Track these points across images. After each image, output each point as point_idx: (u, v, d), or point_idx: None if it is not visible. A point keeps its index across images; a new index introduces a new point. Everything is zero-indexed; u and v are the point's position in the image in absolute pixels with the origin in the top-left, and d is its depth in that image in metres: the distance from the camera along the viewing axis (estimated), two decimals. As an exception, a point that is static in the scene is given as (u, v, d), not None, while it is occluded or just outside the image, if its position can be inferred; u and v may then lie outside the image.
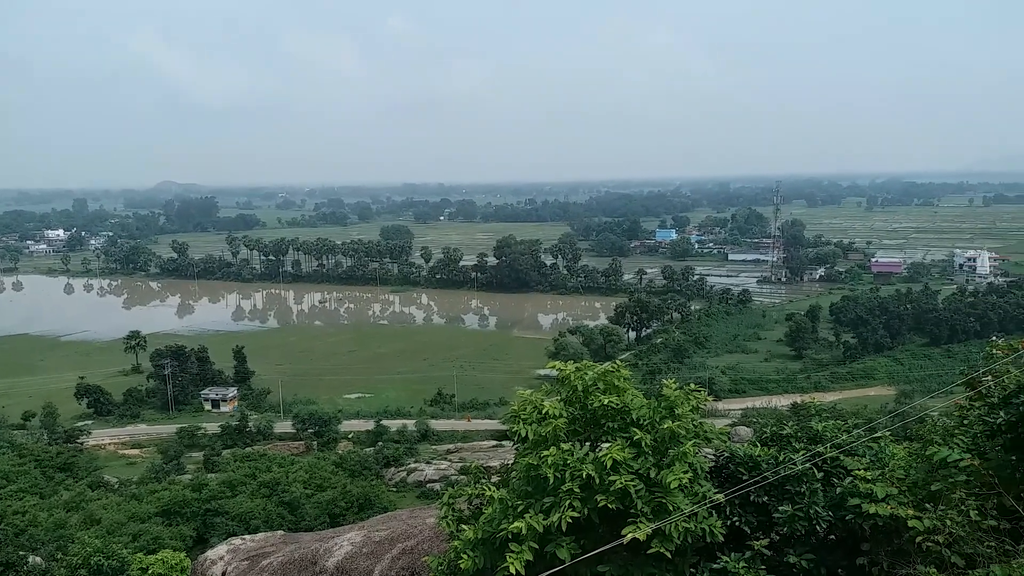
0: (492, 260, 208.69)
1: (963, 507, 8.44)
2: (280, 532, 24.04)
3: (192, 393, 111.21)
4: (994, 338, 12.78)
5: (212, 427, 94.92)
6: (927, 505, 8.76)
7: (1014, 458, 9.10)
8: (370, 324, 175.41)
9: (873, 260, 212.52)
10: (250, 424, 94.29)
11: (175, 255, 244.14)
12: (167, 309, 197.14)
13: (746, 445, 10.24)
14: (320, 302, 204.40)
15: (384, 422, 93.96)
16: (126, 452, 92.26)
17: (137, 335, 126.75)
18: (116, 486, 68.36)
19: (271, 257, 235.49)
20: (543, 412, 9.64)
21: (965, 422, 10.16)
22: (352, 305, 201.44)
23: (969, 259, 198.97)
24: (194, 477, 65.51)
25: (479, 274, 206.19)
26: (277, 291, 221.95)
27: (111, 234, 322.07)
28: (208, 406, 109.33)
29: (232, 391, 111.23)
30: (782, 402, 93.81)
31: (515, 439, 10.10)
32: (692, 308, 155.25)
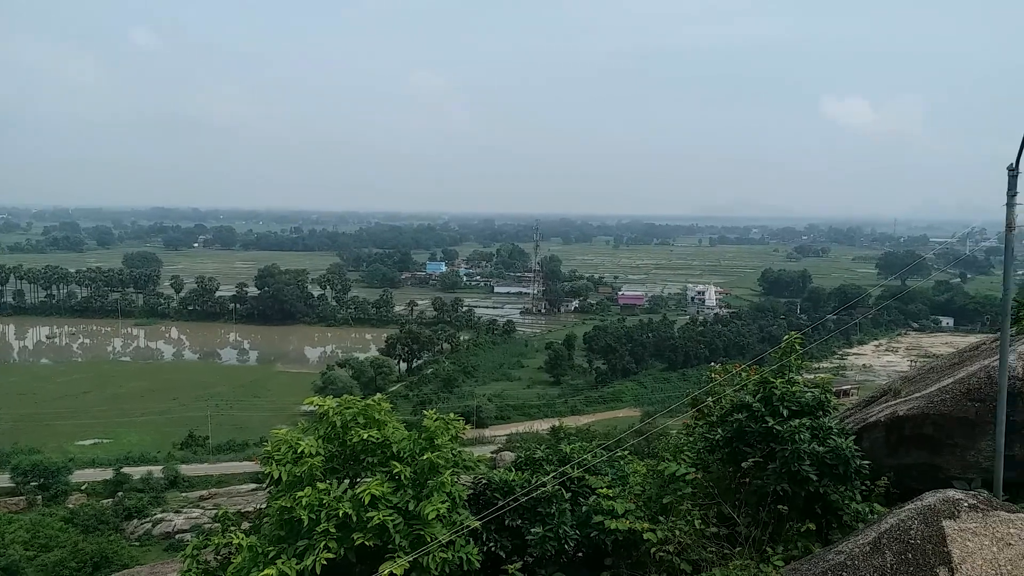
0: (253, 290, 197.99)
1: (689, 517, 9.34)
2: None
3: None
4: (713, 363, 14.53)
5: (-99, 487, 79.71)
6: (660, 518, 9.58)
7: (731, 469, 10.29)
8: (110, 361, 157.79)
9: (620, 293, 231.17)
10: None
11: None
12: None
13: (502, 471, 10.61)
14: (48, 337, 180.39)
15: (125, 470, 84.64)
16: None
17: None
18: None
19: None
20: (299, 451, 9.27)
21: (691, 438, 11.37)
22: (88, 340, 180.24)
23: (699, 293, 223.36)
24: None
25: (238, 305, 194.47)
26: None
27: None
28: None
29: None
30: (543, 426, 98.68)
31: (268, 481, 9.61)
32: (461, 338, 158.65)
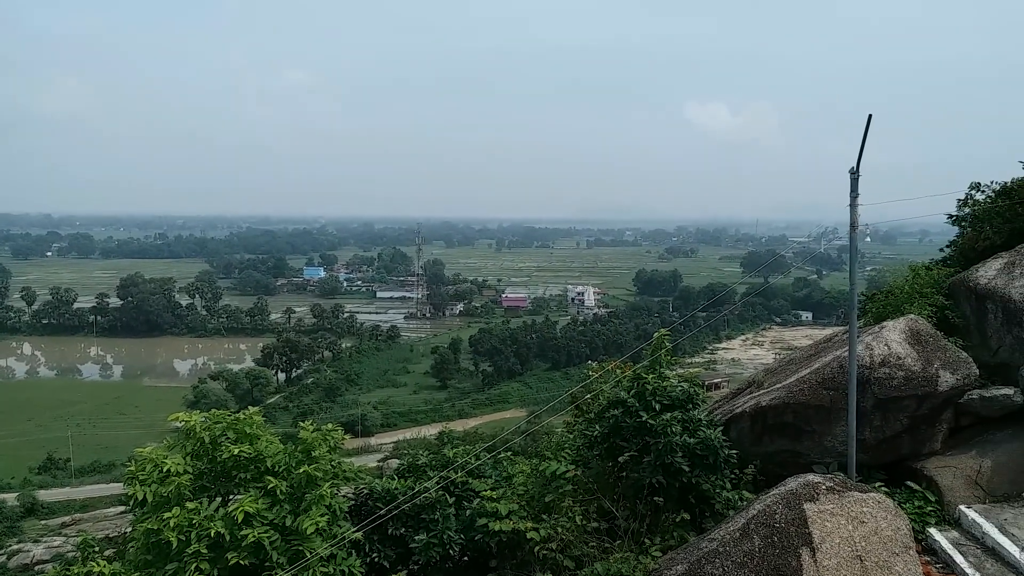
0: (116, 301, 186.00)
1: (571, 514, 9.52)
2: None
3: None
4: (591, 362, 14.91)
5: None
6: (543, 516, 9.71)
7: (610, 464, 10.56)
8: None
9: (503, 296, 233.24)
10: None
11: None
12: None
13: (384, 479, 10.44)
14: None
15: (-27, 499, 77.78)
16: None
17: None
18: None
19: None
20: (165, 470, 8.76)
21: (571, 436, 11.59)
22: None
23: (579, 294, 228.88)
24: None
25: (99, 317, 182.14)
26: None
27: None
28: None
29: None
30: (430, 431, 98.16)
31: (132, 504, 9.05)
32: (343, 346, 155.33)
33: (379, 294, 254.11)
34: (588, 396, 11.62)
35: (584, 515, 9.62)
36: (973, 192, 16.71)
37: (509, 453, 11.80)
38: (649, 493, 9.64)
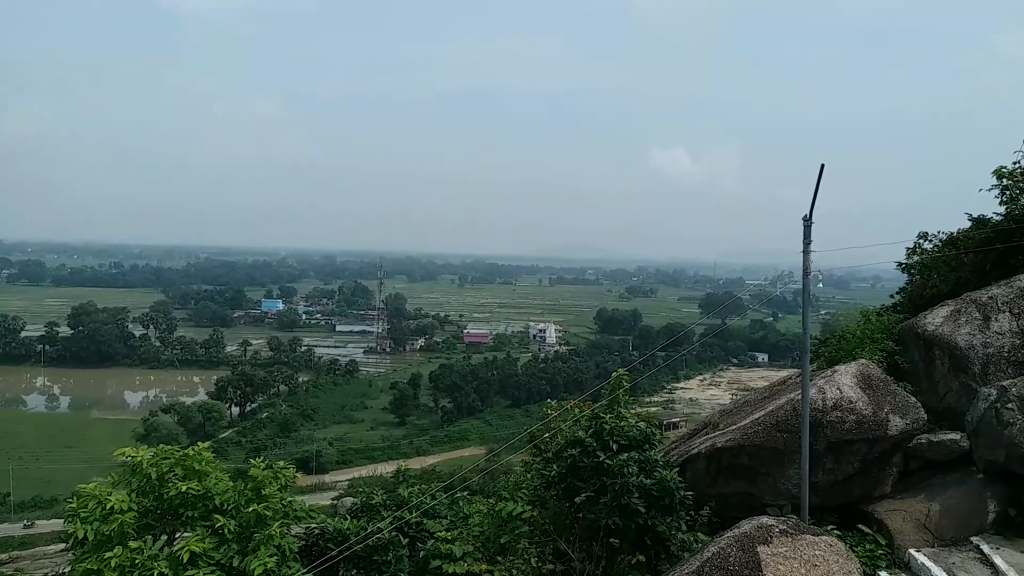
0: (66, 330, 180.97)
1: (526, 556, 9.42)
2: None
3: None
4: (549, 400, 15.08)
5: None
6: (499, 558, 9.59)
7: (567, 505, 10.50)
8: None
9: (465, 331, 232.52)
10: None
11: None
12: None
13: (336, 519, 10.22)
14: None
15: (-100, 537, 73.92)
16: None
17: None
18: None
19: None
20: (108, 507, 8.47)
21: (529, 475, 11.50)
22: None
23: (540, 330, 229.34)
24: None
25: (48, 347, 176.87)
26: None
27: None
28: None
29: None
30: (387, 469, 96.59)
31: (72, 542, 8.72)
32: (300, 380, 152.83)
33: (339, 328, 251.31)
34: (547, 435, 11.58)
35: (540, 557, 9.52)
36: (921, 241, 17.26)
37: (466, 493, 11.66)
38: (605, 534, 9.58)
